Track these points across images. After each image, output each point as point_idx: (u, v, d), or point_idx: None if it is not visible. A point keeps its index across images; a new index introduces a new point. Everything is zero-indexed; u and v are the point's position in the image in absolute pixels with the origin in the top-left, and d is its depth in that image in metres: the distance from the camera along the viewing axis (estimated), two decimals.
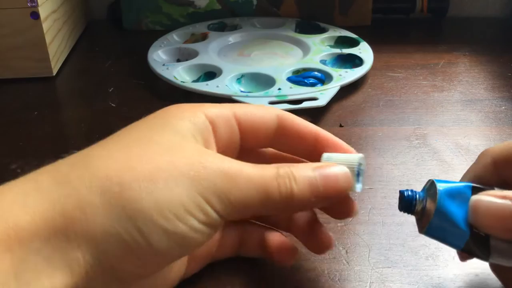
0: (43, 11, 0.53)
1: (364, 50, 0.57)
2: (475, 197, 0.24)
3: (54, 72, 0.55)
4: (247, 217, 0.29)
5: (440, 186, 0.24)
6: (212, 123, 0.26)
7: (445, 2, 0.69)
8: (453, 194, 0.24)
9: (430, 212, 0.24)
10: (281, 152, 0.30)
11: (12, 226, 0.19)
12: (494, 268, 0.26)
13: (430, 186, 0.25)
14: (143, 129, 0.24)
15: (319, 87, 0.48)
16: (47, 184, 0.21)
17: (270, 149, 0.30)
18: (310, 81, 0.50)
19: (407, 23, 0.71)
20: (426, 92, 0.51)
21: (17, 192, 0.21)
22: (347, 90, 0.50)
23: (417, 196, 0.25)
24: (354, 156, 0.26)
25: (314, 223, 0.28)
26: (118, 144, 0.23)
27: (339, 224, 0.33)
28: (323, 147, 0.27)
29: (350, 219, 0.33)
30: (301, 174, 0.24)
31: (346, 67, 0.54)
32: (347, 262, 0.30)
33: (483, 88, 0.52)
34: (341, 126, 0.45)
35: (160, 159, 0.22)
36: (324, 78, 0.51)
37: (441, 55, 0.60)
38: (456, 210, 0.24)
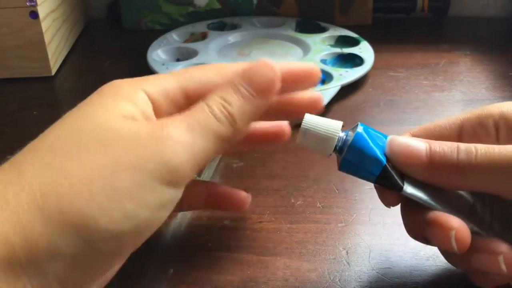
0: (42, 11, 0.52)
1: (365, 50, 0.56)
2: (392, 136, 0.26)
3: (53, 71, 0.55)
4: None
5: (361, 125, 0.26)
6: (153, 101, 0.25)
7: (446, 1, 0.69)
8: (373, 133, 0.26)
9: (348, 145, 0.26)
10: None
11: None
12: (403, 212, 0.27)
13: (355, 127, 0.26)
14: (79, 121, 0.23)
15: (319, 87, 0.48)
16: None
17: None
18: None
19: (407, 23, 0.71)
20: (427, 91, 0.51)
21: None
22: (347, 90, 0.50)
23: (339, 135, 0.26)
24: (337, 124, 0.26)
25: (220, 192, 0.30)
26: (51, 146, 0.22)
27: (339, 225, 0.33)
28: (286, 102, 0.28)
29: (350, 219, 0.33)
30: (228, 94, 0.24)
31: (346, 67, 0.54)
32: (348, 263, 0.30)
33: (484, 88, 0.52)
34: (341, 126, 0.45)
35: (97, 157, 0.21)
36: (324, 78, 0.51)
37: (442, 55, 0.59)
38: (373, 144, 0.25)
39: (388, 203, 0.27)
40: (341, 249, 0.31)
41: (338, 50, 0.57)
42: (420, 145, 0.25)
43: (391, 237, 0.31)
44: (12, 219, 0.19)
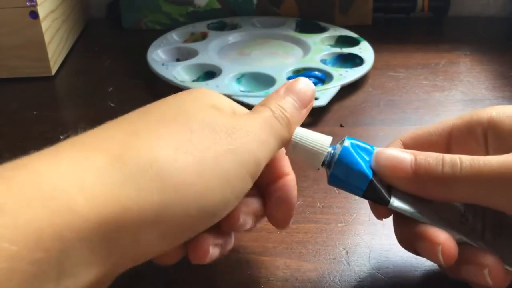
0: (42, 11, 0.52)
1: (365, 50, 0.56)
2: (378, 148, 0.26)
3: (53, 71, 0.55)
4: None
5: (348, 139, 0.26)
6: None
7: (446, 1, 0.69)
8: (359, 147, 0.26)
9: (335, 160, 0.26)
10: None
11: (65, 208, 0.18)
12: (395, 224, 0.27)
13: (342, 141, 0.26)
14: (179, 104, 0.25)
15: (319, 87, 0.48)
16: (102, 164, 0.20)
17: None
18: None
19: (407, 23, 0.71)
20: (427, 91, 0.51)
21: (70, 167, 0.19)
22: (347, 90, 0.50)
23: (328, 150, 0.26)
24: (326, 139, 0.26)
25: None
26: (159, 120, 0.23)
27: (339, 225, 0.33)
28: None
29: (350, 219, 0.33)
30: (283, 101, 0.26)
31: (346, 67, 0.54)
32: (348, 263, 0.30)
33: (484, 88, 0.51)
34: (341, 126, 0.45)
35: (202, 136, 0.23)
36: (324, 78, 0.51)
37: (442, 55, 0.59)
38: (360, 158, 0.26)
39: (379, 215, 0.27)
40: (341, 249, 0.31)
41: (338, 50, 0.57)
42: (406, 157, 0.25)
43: (391, 237, 0.31)
44: (129, 181, 0.20)
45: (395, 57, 0.59)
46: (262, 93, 0.47)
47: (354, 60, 0.55)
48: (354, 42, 0.59)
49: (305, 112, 0.27)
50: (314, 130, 0.27)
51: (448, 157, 0.24)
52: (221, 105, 0.26)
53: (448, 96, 0.50)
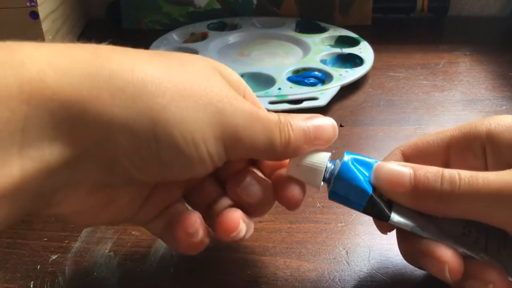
0: (42, 11, 0.52)
1: (365, 50, 0.56)
2: (378, 163, 0.26)
3: None
4: (242, 161, 0.28)
5: (348, 154, 0.26)
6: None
7: (445, 1, 0.69)
8: (359, 162, 0.26)
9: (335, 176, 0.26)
10: None
11: (36, 78, 0.19)
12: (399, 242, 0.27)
13: (342, 157, 0.26)
14: (177, 56, 0.25)
15: (319, 87, 0.48)
16: (83, 54, 0.21)
17: None
18: (310, 81, 0.50)
19: (407, 23, 0.71)
20: (426, 92, 0.51)
21: (49, 49, 0.20)
22: (347, 90, 0.50)
23: (327, 165, 0.26)
24: (324, 155, 0.26)
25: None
26: (155, 55, 0.23)
27: (339, 225, 0.33)
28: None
29: (350, 219, 0.33)
30: (296, 123, 0.25)
31: (346, 67, 0.54)
32: (348, 263, 0.30)
33: (484, 88, 0.52)
34: (341, 126, 0.45)
35: (196, 80, 0.23)
36: (324, 78, 0.51)
37: (442, 55, 0.60)
38: (360, 173, 0.25)
39: (383, 230, 0.27)
40: (341, 249, 0.31)
41: (338, 50, 0.57)
42: (405, 172, 0.25)
43: (391, 237, 0.31)
44: (106, 75, 0.20)
45: (395, 57, 0.59)
46: (262, 93, 0.47)
47: (354, 60, 0.55)
48: (354, 42, 0.59)
49: (311, 146, 0.26)
50: None
51: (447, 172, 0.24)
52: (232, 76, 0.26)
53: (448, 96, 0.50)
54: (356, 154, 0.26)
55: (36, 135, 0.19)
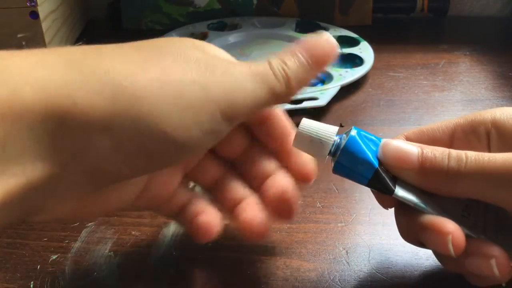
0: (42, 11, 0.52)
1: (365, 50, 0.56)
2: (385, 139, 0.26)
3: None
4: (251, 118, 0.28)
5: (355, 129, 0.26)
6: None
7: (445, 1, 0.69)
8: (366, 137, 0.26)
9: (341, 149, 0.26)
10: None
11: (12, 93, 0.18)
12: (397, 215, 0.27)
13: (349, 131, 0.26)
14: (154, 45, 0.25)
15: (319, 87, 0.48)
16: (56, 63, 0.20)
17: None
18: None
19: (407, 23, 0.71)
20: (426, 92, 0.51)
21: (22, 61, 0.20)
22: (347, 90, 0.50)
23: (334, 139, 0.26)
24: (332, 129, 0.26)
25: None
26: (130, 49, 0.24)
27: (339, 224, 0.33)
28: None
29: (350, 219, 0.33)
30: (288, 57, 0.25)
31: (346, 67, 0.54)
32: (348, 263, 0.30)
33: (484, 88, 0.52)
34: (341, 126, 0.45)
35: (172, 64, 0.22)
36: (324, 78, 0.51)
37: (442, 55, 0.60)
38: (366, 148, 0.26)
39: (385, 204, 0.27)
40: (341, 249, 0.31)
41: (338, 50, 0.57)
42: (413, 149, 0.25)
43: (391, 237, 0.31)
44: (82, 81, 0.20)
45: (395, 57, 0.59)
46: None
47: (354, 60, 0.55)
48: (354, 42, 0.59)
49: (315, 69, 0.26)
50: None
51: (454, 152, 0.25)
52: (210, 49, 0.25)
53: (448, 96, 0.50)
54: (363, 131, 0.27)
55: (17, 151, 0.19)
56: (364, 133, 0.27)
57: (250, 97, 0.24)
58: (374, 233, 0.32)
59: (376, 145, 0.26)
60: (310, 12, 0.69)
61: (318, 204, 0.35)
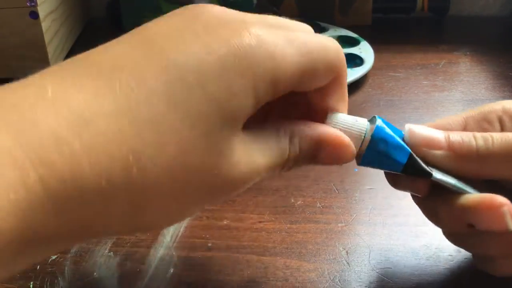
0: (42, 11, 0.52)
1: (365, 50, 0.56)
2: (411, 125, 0.26)
3: None
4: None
5: (378, 117, 0.25)
6: None
7: (445, 1, 0.69)
8: (389, 126, 0.25)
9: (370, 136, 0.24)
10: None
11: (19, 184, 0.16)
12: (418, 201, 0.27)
13: (372, 119, 0.25)
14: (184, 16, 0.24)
15: None
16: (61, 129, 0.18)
17: None
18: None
19: (407, 23, 0.71)
20: (426, 92, 0.51)
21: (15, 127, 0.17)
22: (347, 90, 0.50)
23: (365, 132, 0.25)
24: (363, 121, 0.25)
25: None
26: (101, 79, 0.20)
27: (339, 225, 0.33)
28: None
29: (350, 219, 0.33)
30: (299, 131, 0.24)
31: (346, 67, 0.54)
32: (348, 263, 0.30)
33: (484, 88, 0.52)
34: None
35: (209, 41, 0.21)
36: None
37: (442, 55, 0.59)
38: (394, 134, 0.25)
39: (421, 191, 0.25)
40: (341, 249, 0.31)
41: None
42: (439, 133, 0.25)
43: (391, 237, 0.31)
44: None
45: (395, 57, 0.59)
46: None
47: (354, 60, 0.55)
48: (354, 42, 0.59)
49: (316, 163, 0.24)
50: None
51: (478, 133, 0.25)
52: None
53: (448, 96, 0.50)
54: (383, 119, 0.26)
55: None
56: (386, 121, 0.26)
57: (262, 156, 0.22)
58: (374, 233, 0.32)
59: (397, 131, 0.25)
60: (310, 11, 0.69)
61: (318, 204, 0.35)
